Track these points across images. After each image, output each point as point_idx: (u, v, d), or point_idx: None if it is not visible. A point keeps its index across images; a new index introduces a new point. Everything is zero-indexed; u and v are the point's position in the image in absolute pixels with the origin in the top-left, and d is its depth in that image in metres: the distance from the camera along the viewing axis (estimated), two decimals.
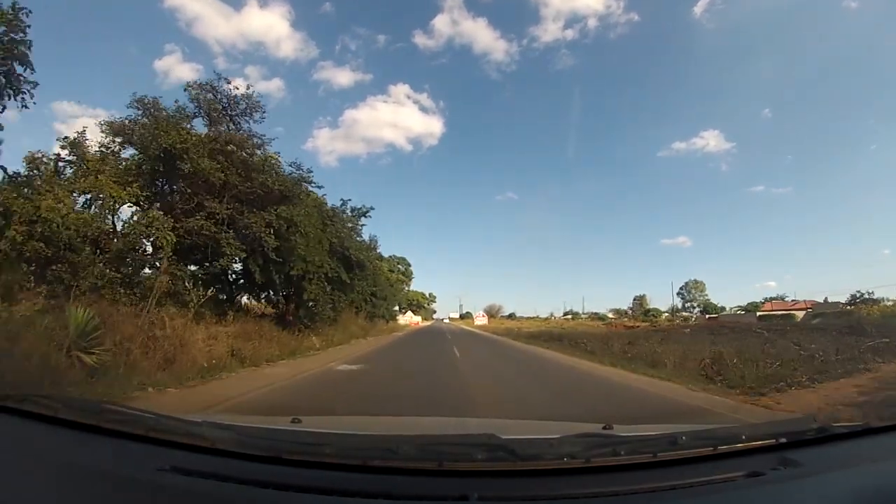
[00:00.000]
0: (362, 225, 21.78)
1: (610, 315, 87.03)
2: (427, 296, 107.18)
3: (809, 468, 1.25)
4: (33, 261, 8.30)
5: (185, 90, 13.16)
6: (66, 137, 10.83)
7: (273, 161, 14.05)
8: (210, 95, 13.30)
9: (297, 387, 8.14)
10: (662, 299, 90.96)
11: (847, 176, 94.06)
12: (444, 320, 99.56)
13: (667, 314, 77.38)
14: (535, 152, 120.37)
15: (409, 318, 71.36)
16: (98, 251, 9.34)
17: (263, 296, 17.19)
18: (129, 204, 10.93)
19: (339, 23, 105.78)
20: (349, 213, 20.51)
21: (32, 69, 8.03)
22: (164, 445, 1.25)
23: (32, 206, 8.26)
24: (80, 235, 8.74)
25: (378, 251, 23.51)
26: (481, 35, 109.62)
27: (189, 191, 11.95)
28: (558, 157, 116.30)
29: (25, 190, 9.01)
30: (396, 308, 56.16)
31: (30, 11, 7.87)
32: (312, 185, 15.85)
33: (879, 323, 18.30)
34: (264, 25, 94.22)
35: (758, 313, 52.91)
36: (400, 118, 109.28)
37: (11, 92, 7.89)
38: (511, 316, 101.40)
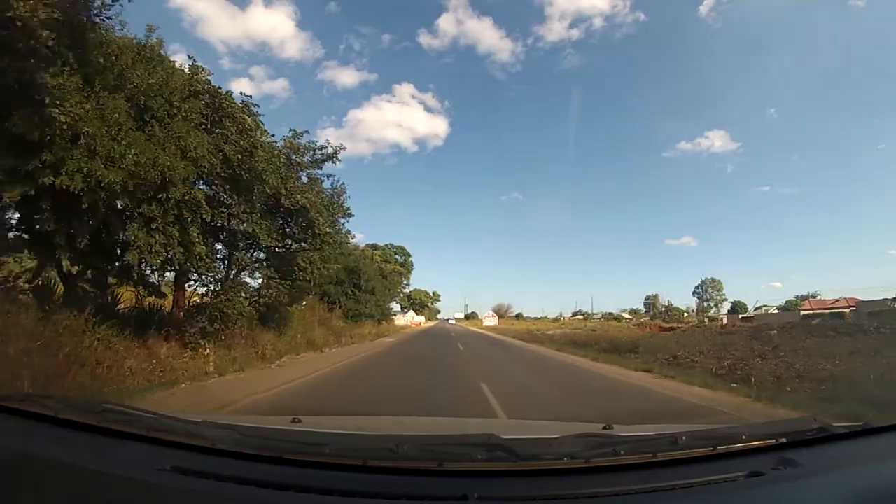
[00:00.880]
0: (328, 175, 12.77)
1: (626, 315, 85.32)
2: (431, 295, 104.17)
3: (809, 468, 1.25)
4: None
5: None
6: None
7: None
8: None
9: None
10: (673, 299, 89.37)
11: (854, 175, 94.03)
12: (450, 321, 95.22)
13: (687, 313, 75.99)
14: (540, 153, 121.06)
15: (409, 319, 66.42)
16: None
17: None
18: None
19: (344, 22, 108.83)
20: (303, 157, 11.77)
21: None
22: (164, 445, 1.25)
23: None
24: None
25: (347, 211, 13.37)
26: (486, 35, 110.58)
27: None
28: (563, 158, 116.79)
29: None
30: (394, 306, 48.49)
31: None
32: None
33: None
34: (269, 25, 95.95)
35: (801, 312, 48.83)
36: (405, 118, 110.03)
37: None
38: (518, 316, 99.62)
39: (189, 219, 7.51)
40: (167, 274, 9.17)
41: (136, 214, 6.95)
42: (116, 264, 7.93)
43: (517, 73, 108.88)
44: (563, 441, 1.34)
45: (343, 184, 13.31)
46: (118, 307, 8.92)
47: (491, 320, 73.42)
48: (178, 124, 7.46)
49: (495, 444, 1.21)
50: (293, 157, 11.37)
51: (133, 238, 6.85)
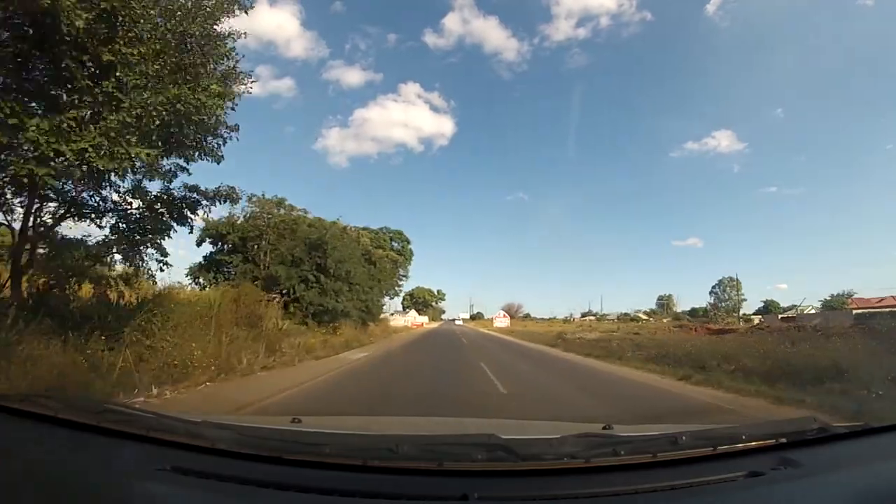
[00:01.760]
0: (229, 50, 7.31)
1: (642, 315, 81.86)
2: (435, 293, 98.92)
3: (809, 468, 1.24)
4: None
5: None
6: None
7: None
8: None
9: None
10: (684, 299, 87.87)
11: (861, 176, 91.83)
12: (457, 321, 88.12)
13: (711, 312, 70.90)
14: (546, 152, 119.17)
15: (410, 319, 59.64)
16: None
17: None
18: None
19: (350, 21, 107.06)
20: None
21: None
22: (164, 445, 1.25)
23: None
24: None
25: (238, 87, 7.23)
26: (492, 34, 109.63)
27: None
28: (569, 158, 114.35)
29: None
30: (391, 303, 41.45)
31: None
32: None
33: None
34: (274, 24, 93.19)
35: (853, 311, 42.85)
36: (410, 117, 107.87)
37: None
38: (526, 317, 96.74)
39: None
40: None
41: None
42: None
43: (523, 72, 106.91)
44: (563, 441, 1.34)
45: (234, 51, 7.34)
46: None
47: (502, 321, 66.29)
48: None
49: (495, 444, 1.21)
50: None
51: None
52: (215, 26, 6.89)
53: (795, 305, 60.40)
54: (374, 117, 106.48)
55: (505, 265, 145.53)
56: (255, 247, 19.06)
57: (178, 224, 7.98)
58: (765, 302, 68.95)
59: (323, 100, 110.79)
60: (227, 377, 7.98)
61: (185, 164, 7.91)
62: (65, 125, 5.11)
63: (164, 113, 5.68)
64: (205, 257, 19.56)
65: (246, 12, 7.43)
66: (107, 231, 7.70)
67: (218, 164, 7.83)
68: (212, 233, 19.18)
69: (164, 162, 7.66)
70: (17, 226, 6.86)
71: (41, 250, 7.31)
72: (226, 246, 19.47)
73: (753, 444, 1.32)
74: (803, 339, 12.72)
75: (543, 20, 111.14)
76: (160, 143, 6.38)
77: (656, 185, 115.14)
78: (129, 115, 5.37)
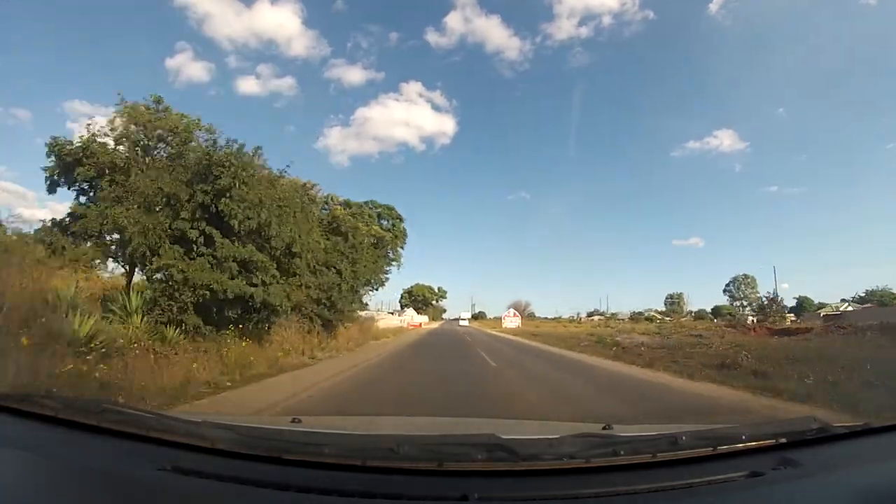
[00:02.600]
0: None
1: (656, 314, 78.54)
2: (436, 290, 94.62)
3: (809, 468, 1.24)
4: None
5: None
6: None
7: None
8: None
9: None
10: (692, 298, 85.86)
11: (863, 175, 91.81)
12: (461, 321, 77.10)
13: (736, 312, 68.20)
14: (548, 152, 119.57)
15: (407, 318, 52.96)
16: None
17: None
18: None
19: (351, 20, 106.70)
20: None
21: None
22: (164, 445, 1.25)
23: None
24: None
25: None
26: (494, 33, 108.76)
27: None
28: (571, 157, 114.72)
29: None
30: (371, 297, 27.59)
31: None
32: None
33: None
34: (276, 23, 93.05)
35: None
36: (412, 116, 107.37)
37: None
38: (531, 316, 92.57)
39: None
40: None
41: None
42: None
43: (525, 71, 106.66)
44: (563, 441, 1.34)
45: None
46: None
47: (512, 321, 56.35)
48: None
49: (495, 444, 1.21)
50: None
51: None
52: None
53: (825, 304, 58.55)
54: (375, 116, 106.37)
55: (506, 264, 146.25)
56: (114, 183, 10.40)
57: None
58: (798, 299, 63.90)
59: (324, 99, 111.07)
60: None
61: None
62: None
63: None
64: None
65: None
66: None
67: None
68: (62, 162, 10.96)
69: None
70: None
71: None
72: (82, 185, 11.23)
73: (753, 444, 1.32)
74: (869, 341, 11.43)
75: (545, 19, 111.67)
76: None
77: (658, 185, 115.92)
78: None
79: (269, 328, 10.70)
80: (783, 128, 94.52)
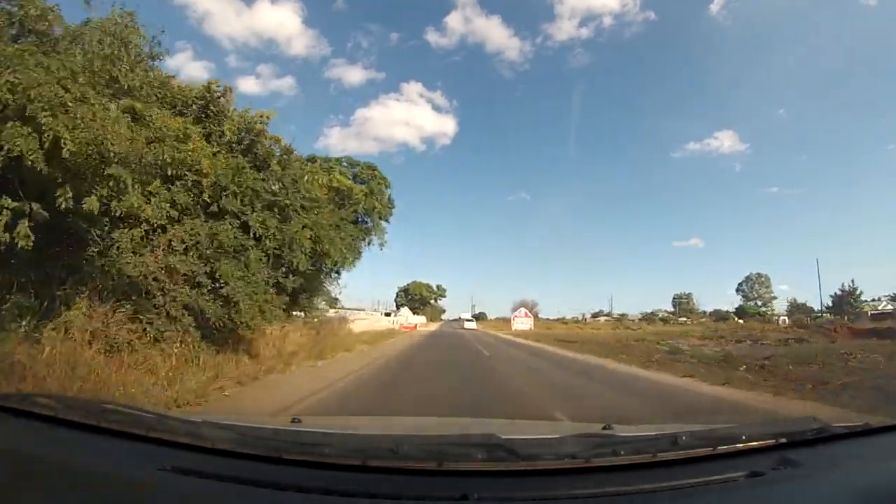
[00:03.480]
0: None
1: (668, 315, 75.18)
2: (434, 289, 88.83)
3: (809, 468, 1.24)
4: None
5: None
6: None
7: None
8: None
9: None
10: (698, 298, 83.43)
11: (862, 176, 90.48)
12: (466, 323, 59.94)
13: (766, 312, 64.87)
14: (548, 152, 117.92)
15: (401, 319, 46.27)
16: None
17: None
18: None
19: (352, 20, 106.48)
20: None
21: None
22: (164, 445, 1.25)
23: None
24: None
25: None
26: (495, 33, 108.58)
27: None
28: (571, 157, 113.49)
29: None
30: (336, 286, 15.88)
31: None
32: None
33: None
34: (276, 22, 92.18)
35: None
36: (412, 116, 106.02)
37: None
38: (535, 317, 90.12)
39: None
40: None
41: None
42: None
43: (525, 71, 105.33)
44: (563, 441, 1.34)
45: None
46: None
47: (523, 322, 47.97)
48: None
49: (495, 443, 1.21)
50: None
51: None
52: None
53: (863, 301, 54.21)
54: (375, 116, 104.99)
55: (506, 265, 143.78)
56: None
57: None
58: (834, 296, 55.57)
59: (324, 99, 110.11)
60: None
61: None
62: None
63: None
64: None
65: None
66: None
67: None
68: None
69: None
70: None
71: None
72: None
73: (753, 444, 1.32)
74: None
75: (546, 19, 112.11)
76: None
77: (658, 185, 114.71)
78: None
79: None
80: (784, 129, 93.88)
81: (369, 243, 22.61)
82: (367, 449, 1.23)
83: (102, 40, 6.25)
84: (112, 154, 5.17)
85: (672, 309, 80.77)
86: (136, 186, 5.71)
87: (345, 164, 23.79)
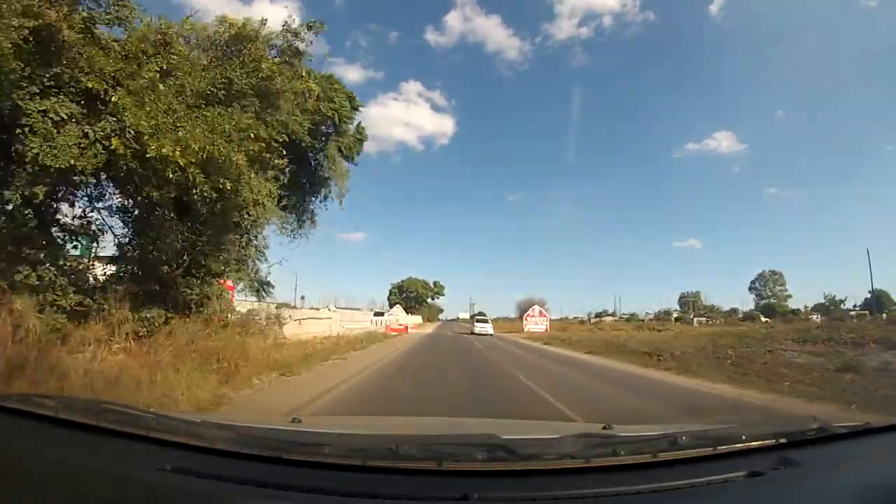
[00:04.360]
0: None
1: (681, 315, 69.08)
2: (431, 286, 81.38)
3: (809, 468, 1.24)
4: None
5: None
6: None
7: None
8: None
9: None
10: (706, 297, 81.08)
11: (859, 177, 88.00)
12: (480, 325, 38.13)
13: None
14: (547, 152, 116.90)
15: (390, 319, 36.32)
16: None
17: None
18: None
19: (351, 18, 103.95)
20: None
21: None
22: (164, 445, 1.25)
23: None
24: None
25: None
26: (494, 32, 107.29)
27: None
28: (570, 157, 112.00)
29: None
30: (265, 269, 11.73)
31: None
32: None
33: None
34: (274, 20, 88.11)
35: None
36: (411, 116, 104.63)
37: None
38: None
39: None
40: None
41: None
42: None
43: (524, 71, 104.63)
44: (563, 441, 1.34)
45: None
46: None
47: (537, 323, 39.55)
48: None
49: (495, 443, 1.21)
50: None
51: None
52: None
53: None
54: (374, 116, 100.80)
55: (505, 265, 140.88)
56: None
57: None
58: (873, 293, 49.67)
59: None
60: None
61: None
62: None
63: None
64: None
65: None
66: None
67: None
68: None
69: None
70: None
71: None
72: None
73: (753, 444, 1.32)
74: None
75: (546, 19, 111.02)
76: None
77: (659, 186, 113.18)
78: None
79: None
80: (783, 130, 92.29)
81: (325, 197, 14.04)
82: (368, 449, 1.23)
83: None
84: None
85: (678, 308, 75.85)
86: None
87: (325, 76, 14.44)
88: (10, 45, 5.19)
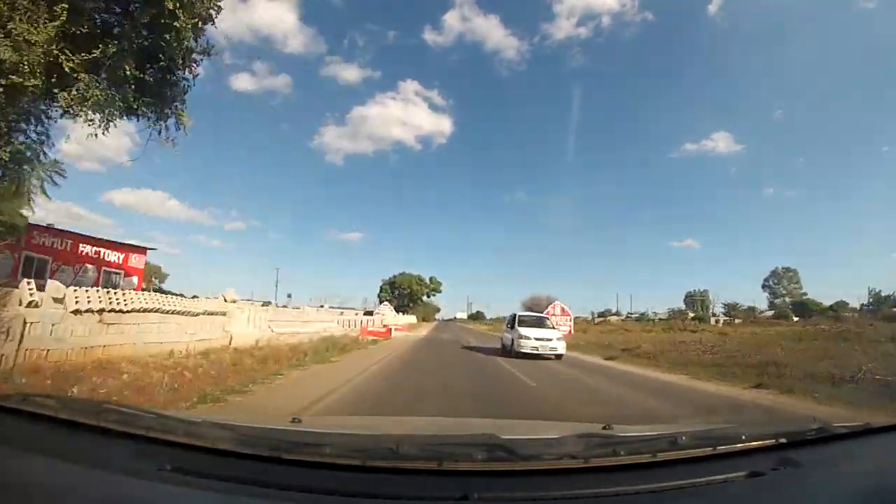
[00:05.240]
0: None
1: (685, 312, 65.70)
2: (427, 282, 75.54)
3: (809, 468, 1.24)
4: None
5: None
6: None
7: None
8: None
9: None
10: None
11: (857, 177, 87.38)
12: (538, 339, 14.44)
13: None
14: (545, 152, 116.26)
15: (377, 320, 30.84)
16: None
17: None
18: None
19: (348, 17, 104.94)
20: None
21: None
22: (164, 445, 1.25)
23: None
24: None
25: None
26: (493, 32, 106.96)
27: None
28: (567, 158, 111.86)
29: None
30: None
31: None
32: None
33: None
34: (272, 18, 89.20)
35: None
36: (409, 115, 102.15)
37: None
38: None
39: None
40: None
41: None
42: None
43: (522, 71, 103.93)
44: (563, 441, 1.35)
45: None
46: None
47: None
48: None
49: (495, 443, 1.21)
50: None
51: None
52: None
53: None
54: (371, 115, 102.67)
55: (503, 264, 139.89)
56: None
57: None
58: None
59: (320, 97, 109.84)
60: None
61: None
62: None
63: None
64: None
65: None
66: None
67: None
68: None
69: None
70: None
71: None
72: None
73: (753, 444, 1.32)
74: None
75: (545, 19, 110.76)
76: None
77: (657, 186, 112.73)
78: None
79: None
80: (780, 130, 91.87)
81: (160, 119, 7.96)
82: (368, 449, 1.23)
83: None
84: None
85: (684, 306, 72.30)
86: None
87: None
88: None
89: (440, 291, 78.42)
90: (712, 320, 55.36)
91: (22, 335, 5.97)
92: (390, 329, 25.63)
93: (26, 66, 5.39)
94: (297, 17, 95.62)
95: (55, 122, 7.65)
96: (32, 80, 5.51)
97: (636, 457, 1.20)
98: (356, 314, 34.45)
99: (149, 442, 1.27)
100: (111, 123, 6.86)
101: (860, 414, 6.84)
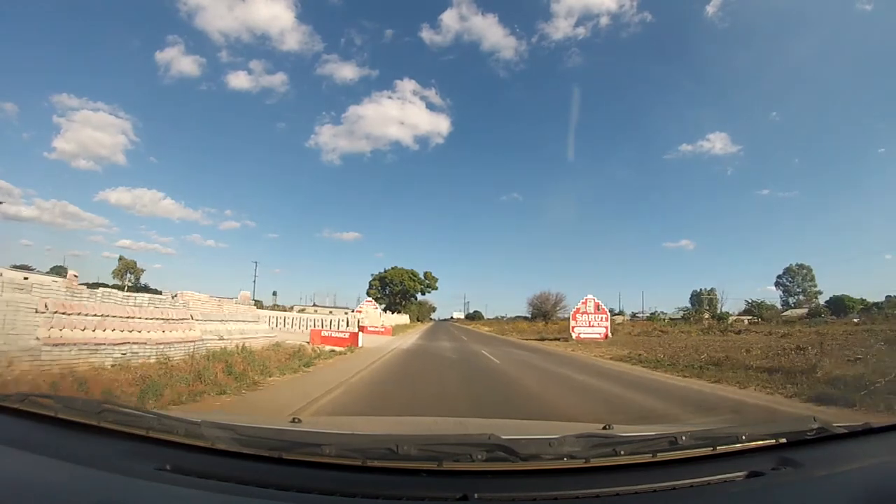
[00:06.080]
0: None
1: (688, 312, 61.01)
2: (421, 277, 68.26)
3: (809, 468, 1.25)
4: None
5: None
6: None
7: None
8: None
9: None
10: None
11: (854, 178, 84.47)
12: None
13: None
14: (542, 152, 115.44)
15: (366, 320, 27.12)
16: None
17: None
18: None
19: (346, 16, 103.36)
20: None
21: None
22: (164, 445, 1.26)
23: None
24: None
25: None
26: (491, 31, 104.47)
27: None
28: (566, 157, 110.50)
29: None
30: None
31: None
32: None
33: None
34: (269, 17, 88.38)
35: None
36: (406, 115, 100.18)
37: None
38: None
39: None
40: None
41: None
42: None
43: (520, 71, 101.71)
44: (563, 441, 1.33)
45: None
46: None
47: (592, 324, 25.48)
48: None
49: (495, 444, 1.22)
50: None
51: None
52: None
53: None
54: (368, 114, 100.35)
55: (502, 264, 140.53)
56: None
57: None
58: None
59: (316, 96, 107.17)
60: None
61: None
62: None
63: None
64: None
65: None
66: None
67: None
68: None
69: None
70: None
71: None
72: None
73: (753, 444, 1.33)
74: None
75: (543, 19, 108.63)
76: None
77: (653, 187, 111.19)
78: None
79: None
80: (777, 131, 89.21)
81: None
82: (368, 449, 1.23)
83: None
84: None
85: (689, 306, 67.61)
86: None
87: None
88: None
89: (436, 288, 71.63)
90: (743, 319, 50.50)
91: None
92: (356, 335, 18.25)
93: None
94: (294, 14, 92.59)
95: None
96: None
97: (636, 457, 1.21)
98: (346, 314, 31.59)
99: (149, 442, 1.27)
100: None
101: None
